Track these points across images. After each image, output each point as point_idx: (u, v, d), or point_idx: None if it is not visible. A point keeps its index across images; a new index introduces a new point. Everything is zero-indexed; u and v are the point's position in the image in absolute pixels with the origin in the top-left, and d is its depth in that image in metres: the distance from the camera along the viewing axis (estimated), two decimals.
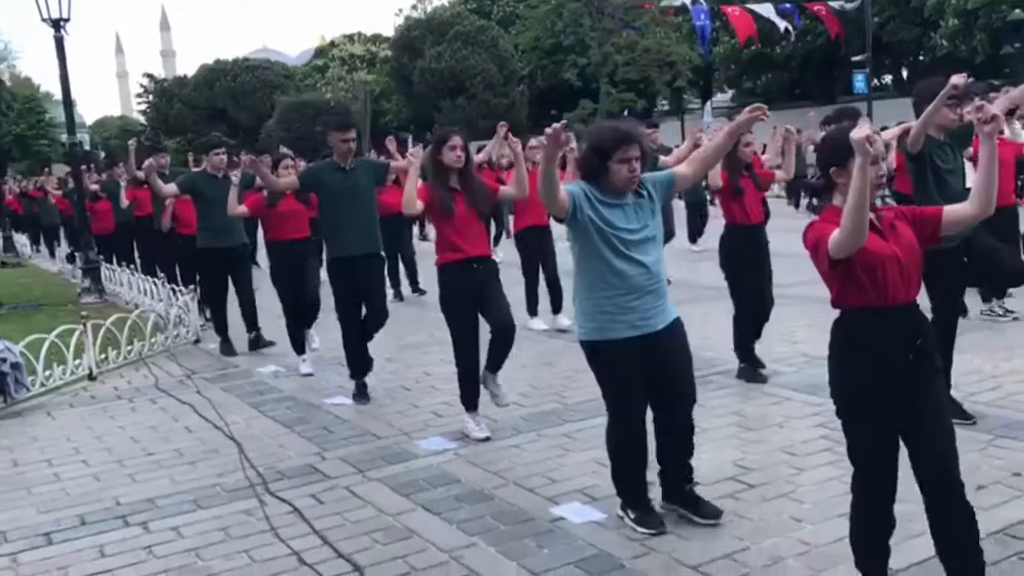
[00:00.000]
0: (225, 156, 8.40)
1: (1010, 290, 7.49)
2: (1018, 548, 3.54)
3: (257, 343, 8.38)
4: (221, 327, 8.46)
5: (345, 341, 6.41)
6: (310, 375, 7.25)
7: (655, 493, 4.09)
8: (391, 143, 7.96)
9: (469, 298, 5.25)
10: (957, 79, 4.88)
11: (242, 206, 7.48)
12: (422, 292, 10.77)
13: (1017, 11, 24.63)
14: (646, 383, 3.86)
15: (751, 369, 6.26)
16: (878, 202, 3.12)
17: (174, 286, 9.44)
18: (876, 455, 3.03)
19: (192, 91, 60.24)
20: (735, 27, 31.19)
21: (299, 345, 7.49)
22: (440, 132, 5.44)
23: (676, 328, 3.92)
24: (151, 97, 65.01)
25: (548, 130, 3.63)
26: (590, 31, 40.35)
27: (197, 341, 8.91)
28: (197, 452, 5.51)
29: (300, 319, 7.49)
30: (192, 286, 9.19)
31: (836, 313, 3.10)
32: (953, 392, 5.10)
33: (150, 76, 67.93)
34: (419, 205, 5.17)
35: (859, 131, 2.79)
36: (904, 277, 2.98)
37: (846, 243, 2.84)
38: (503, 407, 5.58)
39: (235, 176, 7.49)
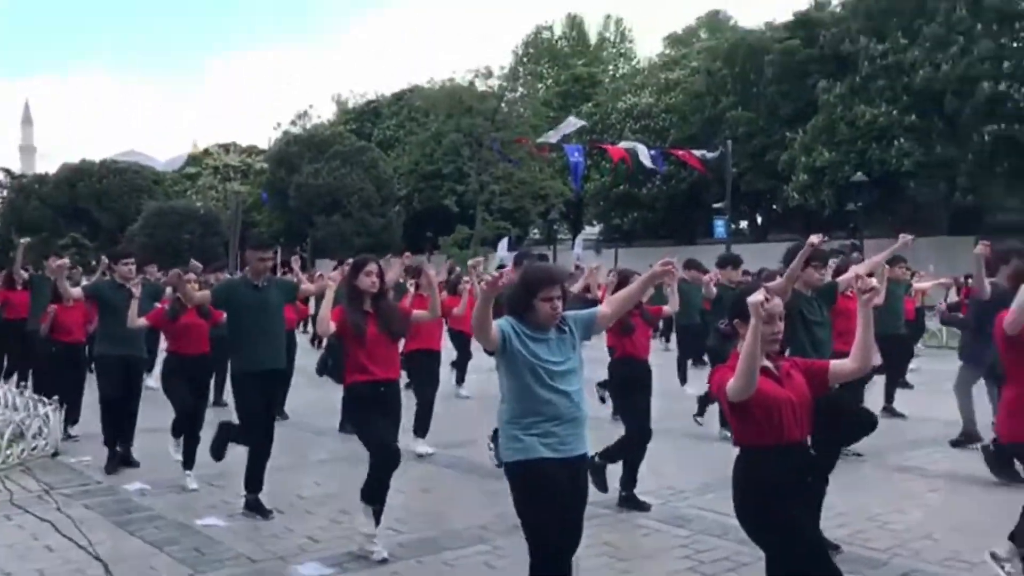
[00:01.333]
0: (134, 267, 8.25)
1: None
2: None
3: (126, 459, 8.11)
4: (111, 439, 8.08)
5: (254, 454, 6.40)
6: (195, 490, 7.11)
7: None
8: (296, 263, 8.03)
9: (380, 416, 5.41)
10: (815, 238, 5.51)
11: (142, 319, 7.45)
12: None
13: (859, 174, 27.06)
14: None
15: (634, 498, 6.52)
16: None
17: (36, 395, 9.07)
18: (809, 552, 3.33)
19: (53, 189, 58.46)
20: (611, 154, 32.92)
21: (190, 459, 7.34)
22: (357, 258, 5.75)
23: (585, 460, 4.12)
24: (6, 192, 62.75)
25: (481, 272, 3.94)
26: (468, 160, 41.81)
27: (55, 454, 8.53)
28: (60, 573, 5.29)
29: (191, 431, 7.38)
30: (55, 397, 8.86)
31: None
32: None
33: (7, 171, 65.76)
34: (332, 326, 5.38)
35: (756, 295, 3.23)
36: (797, 418, 3.41)
37: (738, 388, 3.28)
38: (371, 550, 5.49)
39: (137, 287, 7.48)
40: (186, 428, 7.42)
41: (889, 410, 10.45)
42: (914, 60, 29.93)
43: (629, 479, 6.55)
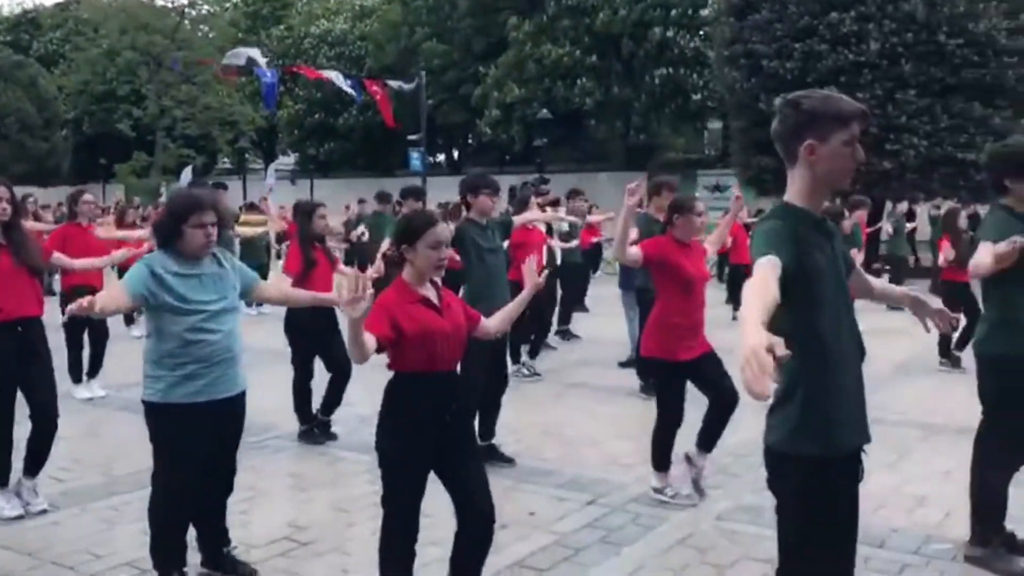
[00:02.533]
0: None
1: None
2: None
3: None
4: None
5: None
6: None
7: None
8: None
9: (8, 364, 4.79)
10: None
11: None
12: None
13: (544, 111, 28.33)
14: (204, 450, 3.87)
15: (311, 432, 6.46)
16: None
17: None
18: (408, 500, 3.39)
19: None
20: (308, 75, 31.76)
21: None
22: None
23: (241, 399, 3.99)
24: None
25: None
26: (147, 82, 38.65)
27: None
28: None
29: None
30: None
31: (388, 376, 3.45)
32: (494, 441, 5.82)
33: None
34: None
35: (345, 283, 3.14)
36: (450, 349, 3.42)
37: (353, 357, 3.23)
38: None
39: None
40: None
41: (565, 332, 11.20)
42: (595, 3, 31.64)
43: (305, 414, 6.52)
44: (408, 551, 3.44)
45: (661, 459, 5.11)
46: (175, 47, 37.22)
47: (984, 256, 4.02)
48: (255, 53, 21.78)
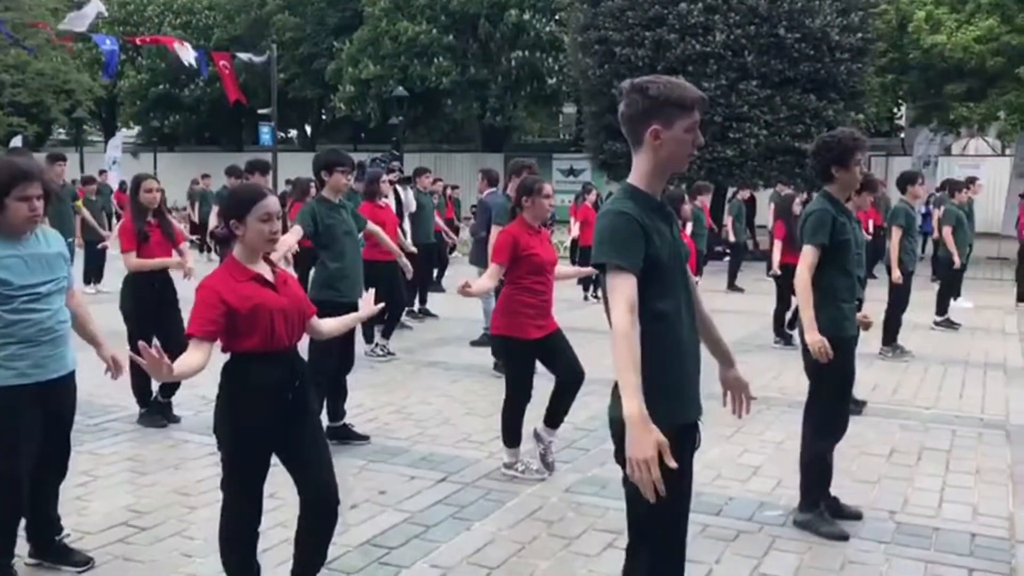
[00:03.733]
0: None
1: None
2: (379, 555, 4.11)
3: None
4: None
5: None
6: None
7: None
8: None
9: None
10: None
11: None
12: None
13: (400, 88, 28.04)
14: (34, 435, 3.65)
15: (152, 414, 6.20)
16: None
17: None
18: (248, 482, 3.32)
19: None
20: (152, 43, 30.22)
21: None
22: None
23: (70, 380, 3.79)
24: None
25: None
26: None
27: None
28: None
29: None
30: None
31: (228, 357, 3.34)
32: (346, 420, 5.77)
33: None
34: None
35: None
36: (289, 327, 3.33)
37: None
38: None
39: None
40: None
41: (424, 311, 11.19)
42: None
43: (144, 396, 6.27)
44: (250, 534, 3.38)
45: (511, 435, 5.19)
46: (1, 7, 34.68)
47: (802, 272, 4.44)
48: (95, 6, 20.20)
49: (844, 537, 4.37)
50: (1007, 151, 25.74)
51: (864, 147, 4.42)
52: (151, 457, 5.52)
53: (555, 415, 5.23)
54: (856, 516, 4.62)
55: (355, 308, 5.61)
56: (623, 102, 2.59)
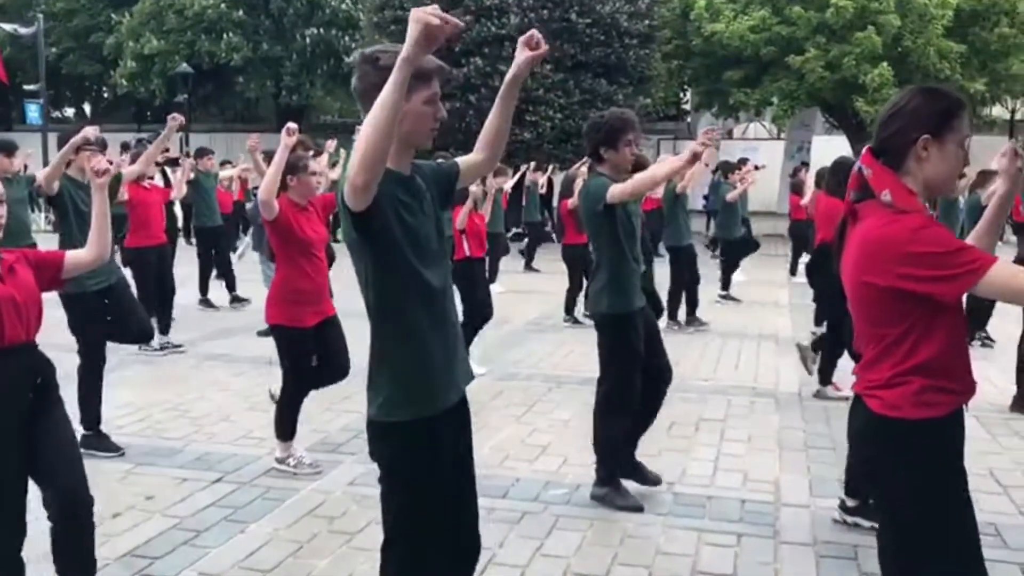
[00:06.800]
0: None
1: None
2: (142, 566, 3.80)
3: None
4: None
5: None
6: None
7: None
8: None
9: None
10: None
11: None
12: None
13: (185, 64, 26.62)
14: None
15: None
16: None
17: None
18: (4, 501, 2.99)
19: None
20: None
21: None
22: None
23: None
24: None
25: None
26: None
27: None
28: None
29: None
30: None
31: None
32: (103, 426, 5.30)
33: None
34: None
35: None
36: (20, 319, 3.00)
37: None
38: None
39: None
40: None
41: (205, 302, 10.62)
42: None
43: None
44: (13, 556, 3.03)
45: (286, 428, 4.97)
46: None
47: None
48: None
49: (639, 508, 4.47)
50: (781, 135, 27.59)
51: (633, 128, 4.43)
52: None
53: None
54: (655, 482, 4.71)
55: (107, 295, 5.24)
56: (355, 75, 2.42)
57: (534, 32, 2.55)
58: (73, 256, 3.32)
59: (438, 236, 2.51)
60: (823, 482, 4.87)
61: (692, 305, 9.67)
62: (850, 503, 4.34)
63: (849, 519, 4.32)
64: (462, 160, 2.79)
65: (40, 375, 3.09)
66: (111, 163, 3.77)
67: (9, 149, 6.47)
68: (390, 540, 2.55)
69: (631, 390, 4.59)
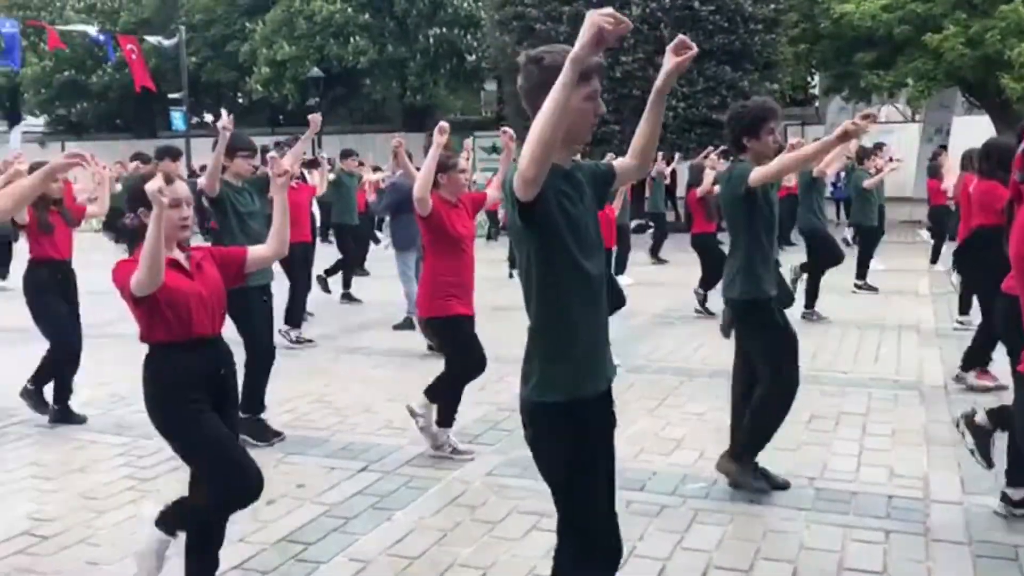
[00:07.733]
0: None
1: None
2: (296, 551, 3.98)
3: None
4: None
5: None
6: None
7: None
8: None
9: None
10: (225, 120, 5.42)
11: None
12: None
13: (315, 69, 27.52)
14: None
15: (58, 414, 5.94)
16: None
17: None
18: (215, 437, 3.20)
19: None
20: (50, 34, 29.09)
21: None
22: None
23: None
24: None
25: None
26: None
27: None
28: None
29: None
30: None
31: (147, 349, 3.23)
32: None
33: None
34: None
35: (154, 183, 2.98)
36: (207, 313, 3.21)
37: (144, 283, 3.01)
38: None
39: None
40: None
41: (347, 296, 10.99)
42: None
43: (61, 389, 5.99)
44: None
45: (449, 415, 5.19)
46: None
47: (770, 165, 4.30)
48: None
49: (764, 491, 4.49)
50: (916, 117, 26.40)
51: (775, 116, 4.42)
52: (55, 461, 5.28)
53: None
54: (784, 486, 4.63)
55: (265, 292, 5.52)
56: (520, 75, 2.52)
57: (684, 38, 2.57)
58: (254, 252, 3.54)
59: (596, 227, 2.58)
60: (976, 479, 4.66)
61: (811, 296, 9.36)
62: (1015, 495, 4.15)
63: (1017, 511, 4.13)
64: (617, 163, 2.87)
65: (223, 366, 3.32)
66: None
67: (175, 154, 6.92)
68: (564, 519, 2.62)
69: (790, 385, 4.50)
